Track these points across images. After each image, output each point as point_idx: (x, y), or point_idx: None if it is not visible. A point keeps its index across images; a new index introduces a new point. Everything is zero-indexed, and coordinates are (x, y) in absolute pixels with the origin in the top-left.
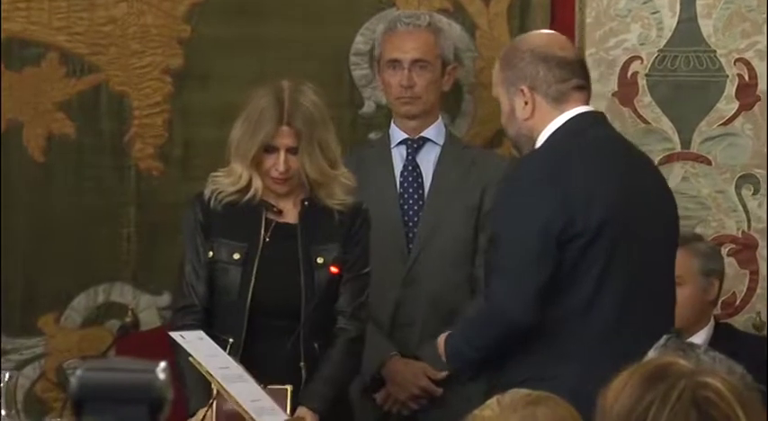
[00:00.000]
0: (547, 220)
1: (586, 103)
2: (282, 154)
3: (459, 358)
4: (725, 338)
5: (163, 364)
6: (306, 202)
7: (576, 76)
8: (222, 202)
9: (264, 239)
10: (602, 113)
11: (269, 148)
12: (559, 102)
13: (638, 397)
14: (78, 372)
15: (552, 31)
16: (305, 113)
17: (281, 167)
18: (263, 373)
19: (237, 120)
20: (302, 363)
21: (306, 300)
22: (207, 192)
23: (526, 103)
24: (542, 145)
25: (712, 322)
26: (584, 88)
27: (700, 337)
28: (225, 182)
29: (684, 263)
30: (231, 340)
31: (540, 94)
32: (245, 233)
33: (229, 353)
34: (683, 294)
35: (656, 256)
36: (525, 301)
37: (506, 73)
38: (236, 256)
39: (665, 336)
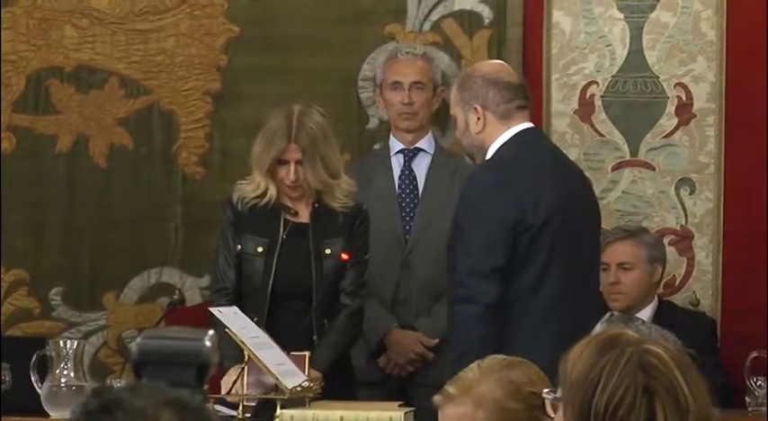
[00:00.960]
0: (503, 215)
1: (528, 120)
2: (292, 165)
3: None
4: (667, 313)
5: (210, 332)
6: (316, 204)
7: (518, 97)
8: (247, 205)
9: (282, 236)
10: (540, 129)
11: (281, 161)
12: (506, 118)
13: (593, 362)
14: (138, 340)
15: (500, 61)
16: (308, 132)
17: (292, 177)
18: (282, 345)
19: (258, 137)
20: (315, 337)
21: (316, 285)
22: (234, 197)
23: (478, 119)
24: (494, 155)
25: (656, 300)
26: (526, 108)
27: (646, 312)
28: (247, 189)
29: (634, 251)
30: (256, 318)
31: (490, 111)
32: (267, 230)
33: None
34: (633, 277)
35: (587, 248)
36: (486, 281)
37: (462, 94)
38: (260, 249)
39: (608, 313)
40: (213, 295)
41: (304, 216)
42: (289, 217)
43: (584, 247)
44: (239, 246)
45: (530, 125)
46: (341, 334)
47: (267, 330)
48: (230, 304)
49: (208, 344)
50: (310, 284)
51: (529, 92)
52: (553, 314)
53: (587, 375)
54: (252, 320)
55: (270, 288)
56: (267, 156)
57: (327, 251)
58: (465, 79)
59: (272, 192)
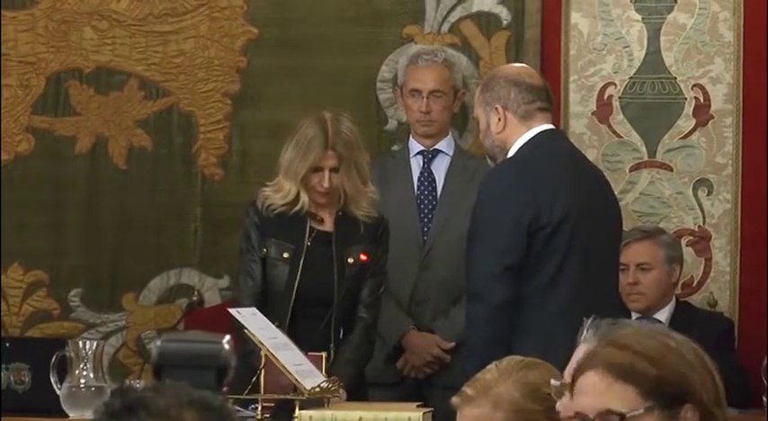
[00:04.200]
0: (518, 214)
1: (549, 122)
2: (327, 173)
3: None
4: (684, 314)
5: (227, 337)
6: (340, 213)
7: (540, 99)
8: (274, 212)
9: (307, 243)
10: (562, 130)
11: (316, 169)
12: (526, 119)
13: (679, 355)
14: (158, 343)
15: (523, 64)
16: (345, 139)
17: (326, 184)
18: (300, 349)
19: (287, 145)
20: (331, 345)
21: (337, 293)
22: (259, 202)
23: (499, 120)
24: (514, 154)
25: (674, 301)
26: (547, 110)
27: (664, 313)
28: (275, 196)
29: (652, 252)
30: (277, 323)
31: (511, 111)
32: (292, 236)
33: None
34: (652, 277)
35: (605, 247)
36: (497, 282)
37: (484, 95)
38: (286, 255)
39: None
40: (240, 296)
41: (328, 224)
42: (314, 224)
43: (602, 248)
44: (264, 250)
45: (550, 126)
46: (357, 349)
47: (287, 335)
48: (256, 305)
49: (226, 347)
50: (331, 292)
51: (552, 95)
52: (568, 313)
53: (674, 368)
54: (274, 324)
55: (294, 294)
56: (304, 164)
57: (350, 260)
58: (487, 81)
59: (305, 199)
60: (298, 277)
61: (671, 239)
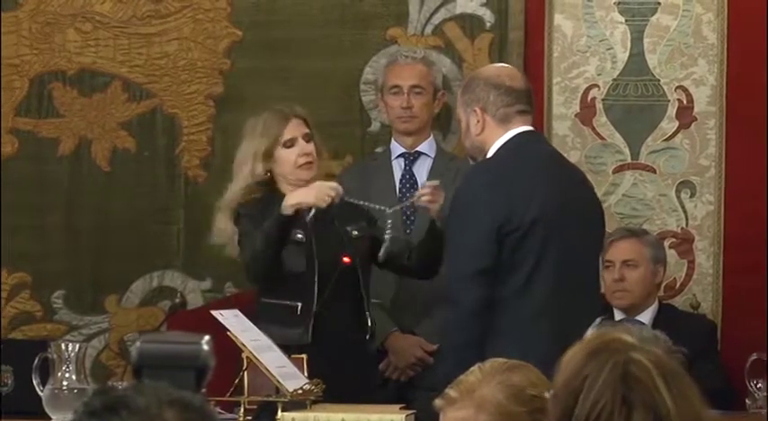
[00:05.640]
0: (491, 216)
1: (529, 124)
2: (301, 141)
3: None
4: (667, 316)
5: (207, 337)
6: None
7: (520, 102)
8: (255, 210)
9: (312, 222)
10: (540, 132)
11: (287, 143)
12: (504, 122)
13: (578, 369)
14: (137, 344)
15: (506, 65)
16: (300, 110)
17: (308, 150)
18: (337, 330)
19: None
20: (367, 313)
21: (360, 267)
22: (240, 209)
23: (478, 122)
24: (490, 156)
25: (657, 303)
26: (527, 113)
27: (647, 315)
28: (238, 193)
29: (638, 250)
30: (300, 304)
31: (489, 114)
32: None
33: (300, 316)
34: (638, 275)
35: (584, 248)
36: (471, 284)
37: (465, 97)
38: (300, 236)
39: (599, 318)
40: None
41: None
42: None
43: (581, 249)
44: None
45: (528, 128)
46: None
47: (317, 316)
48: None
49: (206, 348)
50: (352, 266)
51: (533, 98)
52: (544, 315)
53: (571, 382)
54: (297, 307)
55: (316, 273)
56: (265, 141)
57: (354, 233)
58: (468, 82)
59: (260, 170)
60: (315, 255)
61: (655, 240)
